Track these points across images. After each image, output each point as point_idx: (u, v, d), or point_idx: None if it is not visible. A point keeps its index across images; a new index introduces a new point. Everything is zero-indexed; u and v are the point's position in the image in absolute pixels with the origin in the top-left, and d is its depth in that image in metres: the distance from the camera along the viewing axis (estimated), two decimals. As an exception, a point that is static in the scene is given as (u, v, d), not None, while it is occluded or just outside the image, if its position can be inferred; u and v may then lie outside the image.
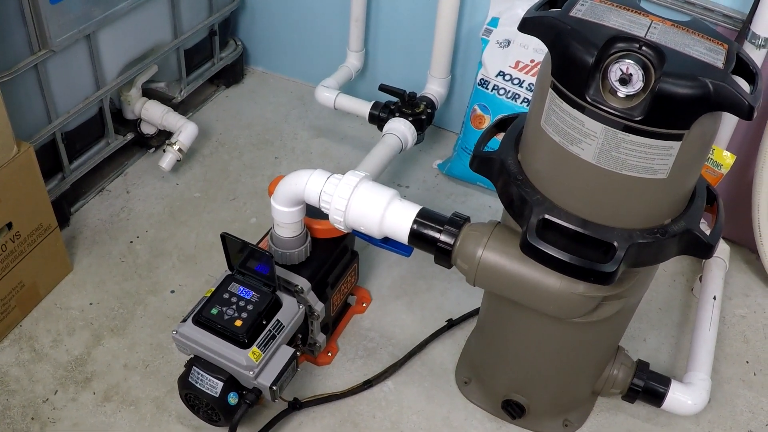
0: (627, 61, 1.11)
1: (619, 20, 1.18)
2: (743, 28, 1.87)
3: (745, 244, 2.25)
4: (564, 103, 1.17)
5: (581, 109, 1.15)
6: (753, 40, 1.83)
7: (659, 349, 1.98)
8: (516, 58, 2.20)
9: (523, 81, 2.19)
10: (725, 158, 1.93)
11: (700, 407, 1.69)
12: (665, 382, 1.69)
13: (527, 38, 2.09)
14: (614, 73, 1.12)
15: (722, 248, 2.11)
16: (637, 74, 1.10)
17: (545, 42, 1.21)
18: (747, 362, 1.98)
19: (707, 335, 1.84)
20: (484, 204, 2.38)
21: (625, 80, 1.11)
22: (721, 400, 1.88)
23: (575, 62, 1.14)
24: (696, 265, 2.20)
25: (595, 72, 1.13)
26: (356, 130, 2.62)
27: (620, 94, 1.12)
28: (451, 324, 1.98)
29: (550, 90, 1.20)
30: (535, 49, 2.18)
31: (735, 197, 2.15)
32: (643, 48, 1.12)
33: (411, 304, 2.04)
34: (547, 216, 1.27)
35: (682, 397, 1.69)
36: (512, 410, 1.71)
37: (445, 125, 2.66)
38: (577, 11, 1.20)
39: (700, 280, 2.06)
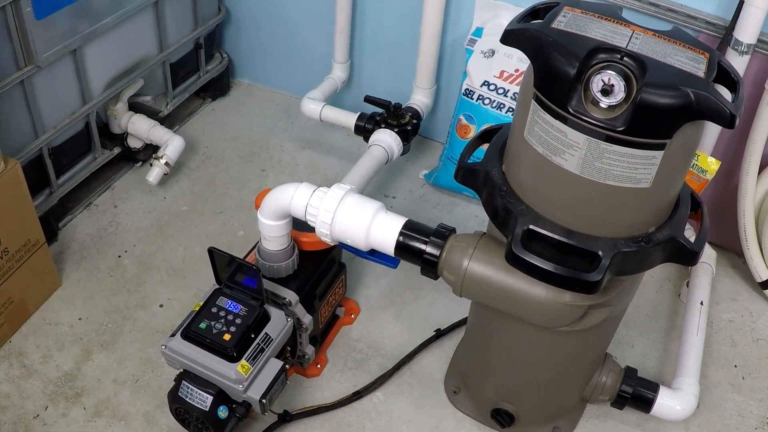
0: (609, 71, 1.12)
1: (601, 31, 1.18)
2: (726, 34, 1.88)
3: (731, 248, 2.26)
4: (547, 114, 1.18)
5: (564, 120, 1.16)
6: (736, 47, 1.85)
7: (647, 355, 1.99)
8: (501, 68, 2.21)
9: (508, 90, 2.20)
10: (710, 164, 1.94)
11: (688, 412, 1.70)
12: (653, 388, 1.70)
13: (511, 48, 2.10)
14: (596, 84, 1.12)
15: (709, 253, 2.12)
16: (618, 85, 1.11)
17: (527, 54, 1.21)
18: (735, 366, 1.98)
19: (695, 340, 1.85)
20: (471, 214, 2.38)
21: (606, 91, 1.12)
22: (710, 404, 1.88)
23: (557, 74, 1.14)
24: (683, 270, 2.21)
25: (577, 83, 1.13)
26: (342, 142, 2.63)
27: (602, 105, 1.13)
28: (440, 334, 1.98)
29: (533, 101, 1.20)
30: (519, 59, 2.19)
31: (721, 203, 2.16)
32: (625, 59, 1.12)
33: (399, 315, 2.04)
34: (531, 226, 1.27)
35: (670, 403, 1.69)
36: (501, 419, 1.72)
37: (431, 135, 2.67)
38: (559, 23, 1.21)
39: (687, 286, 2.07)
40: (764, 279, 2.11)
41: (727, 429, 1.84)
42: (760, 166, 1.99)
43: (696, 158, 1.94)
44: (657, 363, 1.97)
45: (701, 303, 1.94)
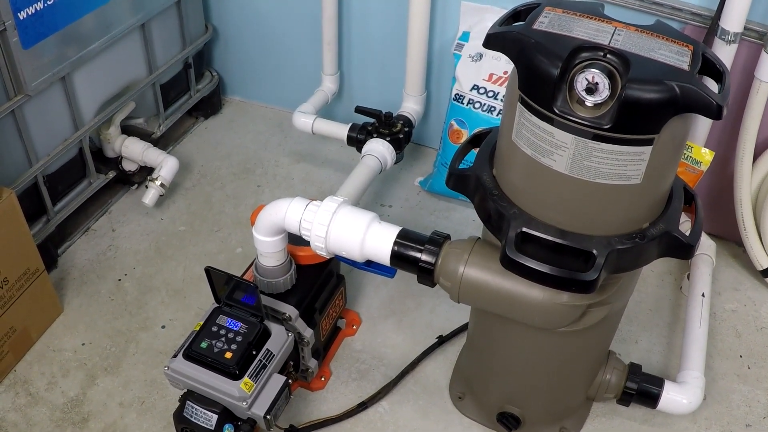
0: (592, 70, 1.11)
1: (583, 30, 1.18)
2: (712, 24, 1.88)
3: (731, 238, 2.26)
4: (533, 116, 1.18)
5: (550, 121, 1.16)
6: (723, 36, 1.85)
7: (651, 350, 1.98)
8: (489, 71, 2.21)
9: (498, 93, 2.20)
10: (704, 155, 1.94)
11: (695, 405, 1.70)
12: (658, 383, 1.69)
13: (498, 50, 2.11)
14: (580, 83, 1.12)
15: (708, 244, 2.12)
16: (603, 82, 1.11)
17: (510, 57, 1.22)
18: (740, 356, 1.98)
19: (698, 333, 1.85)
20: (468, 218, 2.38)
21: (591, 89, 1.12)
22: (717, 396, 1.88)
23: (541, 75, 1.14)
24: (684, 263, 2.21)
25: (561, 83, 1.13)
26: (336, 153, 2.63)
27: (588, 104, 1.13)
28: (442, 340, 1.98)
29: (519, 104, 1.20)
30: (507, 61, 2.17)
31: (717, 192, 2.16)
32: (608, 56, 1.12)
33: (401, 324, 2.04)
34: (525, 229, 1.27)
35: (676, 397, 1.69)
36: (508, 422, 1.71)
37: (424, 142, 2.67)
38: (540, 24, 1.21)
39: (688, 278, 2.06)
40: (765, 267, 2.11)
41: (736, 420, 1.84)
42: (755, 154, 1.99)
43: (690, 150, 1.94)
44: (661, 357, 1.97)
45: (703, 295, 1.94)
